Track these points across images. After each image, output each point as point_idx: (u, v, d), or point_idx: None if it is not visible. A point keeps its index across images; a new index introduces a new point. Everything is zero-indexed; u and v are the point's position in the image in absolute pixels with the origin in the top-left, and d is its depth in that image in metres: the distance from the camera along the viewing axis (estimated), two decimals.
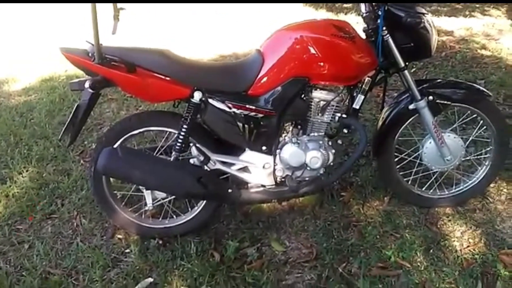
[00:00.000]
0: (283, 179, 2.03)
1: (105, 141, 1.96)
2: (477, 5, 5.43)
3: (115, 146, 1.92)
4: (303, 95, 1.92)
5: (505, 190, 2.32)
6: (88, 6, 1.64)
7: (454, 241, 2.05)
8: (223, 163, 1.97)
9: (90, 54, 1.78)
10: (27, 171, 2.69)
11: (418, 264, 1.93)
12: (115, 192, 2.09)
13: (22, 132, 3.12)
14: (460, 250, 1.99)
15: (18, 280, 1.96)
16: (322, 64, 1.84)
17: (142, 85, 1.80)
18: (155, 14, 5.83)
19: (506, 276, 1.83)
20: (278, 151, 1.98)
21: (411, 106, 2.01)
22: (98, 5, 1.65)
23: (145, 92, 1.85)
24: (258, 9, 6.17)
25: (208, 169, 1.96)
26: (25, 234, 2.22)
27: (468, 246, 2.01)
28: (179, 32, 5.20)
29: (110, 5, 1.84)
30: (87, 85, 1.76)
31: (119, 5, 1.86)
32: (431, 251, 1.99)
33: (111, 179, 2.05)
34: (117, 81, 1.79)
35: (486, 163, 2.22)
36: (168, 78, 1.83)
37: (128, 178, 1.91)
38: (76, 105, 1.84)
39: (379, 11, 1.86)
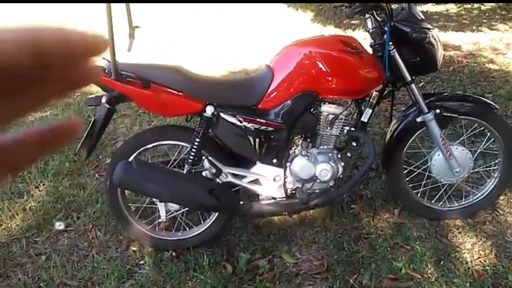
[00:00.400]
0: (293, 192, 2.06)
1: (120, 155, 2.02)
2: (484, 20, 5.48)
3: (130, 159, 1.97)
4: (312, 109, 1.97)
5: None
6: (105, 25, 1.72)
7: (464, 253, 2.05)
8: (235, 175, 2.02)
9: (106, 71, 1.84)
10: (43, 185, 2.76)
11: (429, 275, 1.94)
12: (130, 204, 2.15)
13: None
14: (471, 261, 2.00)
15: None
16: (330, 78, 1.89)
17: (156, 100, 1.87)
18: (164, 27, 5.95)
19: None
20: (288, 164, 2.02)
21: (418, 119, 2.04)
22: (114, 23, 1.73)
23: (159, 107, 1.92)
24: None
25: (220, 182, 2.00)
26: (42, 247, 2.27)
27: (478, 258, 2.02)
28: (189, 45, 5.32)
29: (126, 24, 1.92)
30: (103, 100, 1.83)
31: (135, 23, 1.94)
32: (442, 262, 2.00)
33: (126, 192, 2.11)
34: (132, 97, 1.86)
35: (495, 175, 2.23)
36: (181, 93, 1.90)
37: (142, 190, 1.96)
38: (92, 120, 1.91)
39: (385, 27, 1.92)
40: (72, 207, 2.54)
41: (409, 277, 1.93)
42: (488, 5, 6.07)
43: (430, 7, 6.19)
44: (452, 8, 6.18)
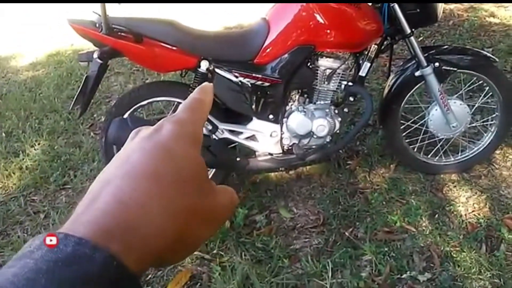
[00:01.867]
0: (290, 147, 2.06)
1: (115, 112, 1.99)
2: None
3: (125, 116, 1.95)
4: (309, 63, 1.93)
5: (510, 156, 2.34)
6: None
7: (459, 206, 2.08)
8: (231, 132, 2.00)
9: (97, 25, 1.79)
10: (38, 144, 2.74)
11: (423, 228, 1.97)
12: None
13: (32, 107, 3.16)
14: (465, 215, 2.03)
15: None
16: (328, 31, 1.84)
17: (149, 55, 1.82)
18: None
19: (510, 239, 1.87)
20: (284, 119, 2.00)
21: (417, 73, 2.01)
22: None
23: (153, 62, 1.87)
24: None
25: (217, 138, 1.99)
26: (40, 205, 2.28)
27: (473, 211, 2.05)
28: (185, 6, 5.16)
29: None
30: (95, 55, 1.78)
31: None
32: (436, 216, 2.03)
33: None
34: (124, 51, 1.81)
35: (492, 130, 2.23)
36: (175, 48, 1.85)
37: None
38: (85, 76, 1.86)
39: None
40: (68, 165, 2.54)
41: (403, 230, 1.96)
42: None
43: None
44: None
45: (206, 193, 0.32)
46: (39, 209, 2.26)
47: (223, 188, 0.35)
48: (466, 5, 4.30)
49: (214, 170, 2.13)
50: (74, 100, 1.89)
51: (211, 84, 0.38)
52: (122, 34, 1.79)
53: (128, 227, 0.27)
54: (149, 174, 0.29)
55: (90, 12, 1.79)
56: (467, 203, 2.09)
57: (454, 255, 1.82)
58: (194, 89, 1.78)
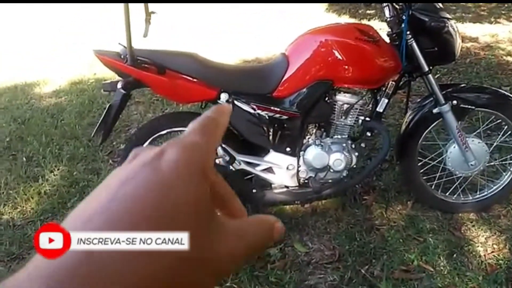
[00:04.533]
0: (306, 181, 2.06)
1: (135, 141, 2.03)
2: (503, 11, 5.37)
3: (144, 145, 1.98)
4: (327, 98, 1.95)
5: None
6: (121, 10, 1.72)
7: (478, 246, 2.04)
8: (248, 163, 2.02)
9: (122, 56, 1.85)
10: (58, 169, 2.79)
11: (441, 268, 1.93)
12: None
13: (53, 133, 3.23)
14: (484, 255, 1.98)
15: None
16: (346, 67, 1.88)
17: (171, 86, 1.87)
18: (179, 13, 5.93)
19: None
20: (301, 152, 2.01)
21: (435, 110, 2.01)
22: (130, 9, 1.73)
23: (174, 93, 1.92)
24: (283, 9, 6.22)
25: (233, 169, 2.00)
26: None
27: (492, 252, 2.00)
28: (203, 32, 5.30)
29: (142, 9, 1.92)
30: (119, 86, 1.83)
31: (151, 8, 1.94)
32: (455, 255, 1.99)
33: None
34: (148, 82, 1.86)
35: (511, 169, 2.20)
36: (195, 80, 1.89)
37: None
38: (108, 105, 1.91)
39: (403, 16, 1.89)
40: (86, 191, 2.56)
41: (421, 269, 1.92)
42: None
43: None
44: None
45: (205, 239, 0.25)
46: None
47: (247, 225, 0.28)
48: (483, 43, 4.34)
49: None
50: (96, 128, 1.94)
51: (230, 105, 0.33)
52: (146, 65, 1.85)
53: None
54: (134, 219, 0.23)
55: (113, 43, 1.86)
56: (486, 243, 2.04)
57: None
58: None
